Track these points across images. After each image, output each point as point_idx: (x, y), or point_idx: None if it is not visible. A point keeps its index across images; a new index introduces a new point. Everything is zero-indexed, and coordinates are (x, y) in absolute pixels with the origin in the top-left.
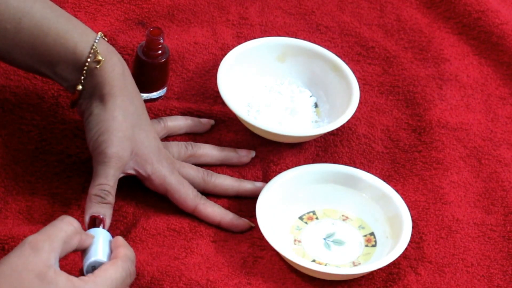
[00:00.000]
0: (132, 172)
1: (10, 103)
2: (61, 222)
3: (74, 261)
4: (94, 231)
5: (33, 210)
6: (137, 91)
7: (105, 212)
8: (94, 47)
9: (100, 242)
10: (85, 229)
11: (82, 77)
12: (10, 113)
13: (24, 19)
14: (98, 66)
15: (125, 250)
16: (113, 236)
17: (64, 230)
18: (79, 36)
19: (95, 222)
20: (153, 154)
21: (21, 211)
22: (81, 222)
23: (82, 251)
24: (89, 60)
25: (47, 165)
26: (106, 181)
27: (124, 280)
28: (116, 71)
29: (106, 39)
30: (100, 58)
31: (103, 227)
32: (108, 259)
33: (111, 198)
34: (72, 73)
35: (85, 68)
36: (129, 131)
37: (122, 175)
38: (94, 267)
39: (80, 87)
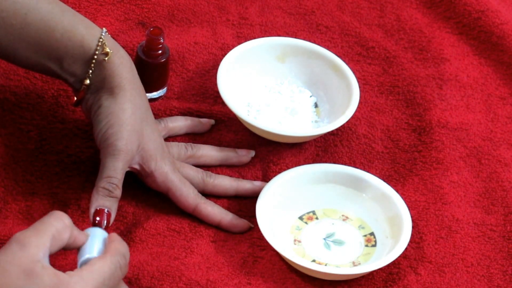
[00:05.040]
0: (137, 167)
1: (10, 103)
2: (50, 217)
3: (74, 261)
4: (90, 230)
5: (33, 210)
6: (142, 86)
7: (111, 205)
8: (101, 40)
9: (95, 240)
10: (84, 224)
11: (90, 71)
12: (10, 112)
13: (30, 14)
14: (106, 59)
15: (116, 244)
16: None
17: (53, 225)
18: (86, 30)
19: (98, 212)
20: (157, 151)
21: (21, 211)
22: (78, 221)
23: (77, 249)
24: (97, 52)
25: (47, 164)
26: (115, 174)
27: (113, 273)
28: (124, 64)
29: (110, 35)
30: (108, 50)
31: (108, 221)
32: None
33: (118, 192)
34: (79, 67)
35: (93, 60)
36: (138, 125)
37: (128, 169)
38: None
39: (87, 81)
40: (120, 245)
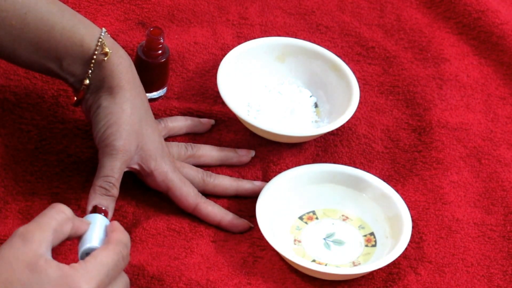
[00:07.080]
0: (136, 167)
1: (10, 103)
2: (51, 210)
3: (75, 261)
4: (91, 217)
5: (33, 210)
6: (142, 86)
7: (108, 204)
8: (101, 40)
9: (96, 228)
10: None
11: (90, 71)
12: (10, 112)
13: (29, 14)
14: (105, 59)
15: (118, 234)
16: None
17: (54, 218)
18: (85, 30)
19: (95, 210)
20: (157, 150)
21: (21, 211)
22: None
23: (78, 238)
24: (96, 52)
25: (47, 164)
26: (112, 173)
27: (116, 264)
28: (123, 64)
29: (109, 35)
30: (107, 50)
31: None
32: (101, 245)
33: (115, 191)
34: (79, 67)
35: (93, 60)
36: (137, 125)
37: (126, 169)
38: (88, 254)
39: (87, 81)
40: (122, 235)
